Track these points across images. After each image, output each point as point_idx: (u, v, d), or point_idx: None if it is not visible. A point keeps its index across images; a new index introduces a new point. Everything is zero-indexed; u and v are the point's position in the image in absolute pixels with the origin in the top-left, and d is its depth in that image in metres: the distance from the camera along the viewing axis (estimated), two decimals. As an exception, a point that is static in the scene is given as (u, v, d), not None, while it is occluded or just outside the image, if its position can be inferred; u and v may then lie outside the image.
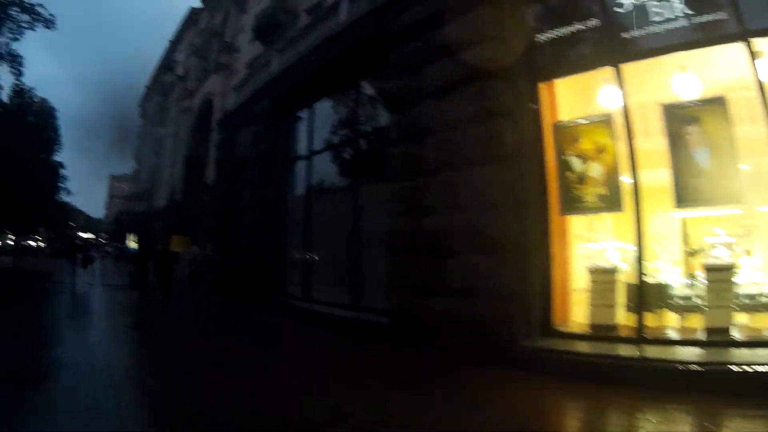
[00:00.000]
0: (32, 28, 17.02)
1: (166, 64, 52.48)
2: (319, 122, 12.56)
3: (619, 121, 6.84)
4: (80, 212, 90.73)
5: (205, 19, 41.54)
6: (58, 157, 40.63)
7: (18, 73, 18.07)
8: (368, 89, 10.95)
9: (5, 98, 18.65)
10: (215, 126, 29.49)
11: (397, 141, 8.55)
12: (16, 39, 16.97)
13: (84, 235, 76.30)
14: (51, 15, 17.07)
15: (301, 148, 13.21)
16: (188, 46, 45.56)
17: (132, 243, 45.46)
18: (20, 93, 28.21)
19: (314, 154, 12.55)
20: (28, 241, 58.83)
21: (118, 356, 7.40)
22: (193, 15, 45.52)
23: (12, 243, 42.02)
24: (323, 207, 12.18)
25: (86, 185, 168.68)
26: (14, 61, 17.32)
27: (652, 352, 6.00)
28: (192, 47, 44.00)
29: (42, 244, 67.26)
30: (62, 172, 38.78)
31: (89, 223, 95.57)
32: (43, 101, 31.95)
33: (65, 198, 50.02)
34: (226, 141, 16.19)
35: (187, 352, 7.77)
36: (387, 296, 8.64)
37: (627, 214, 6.76)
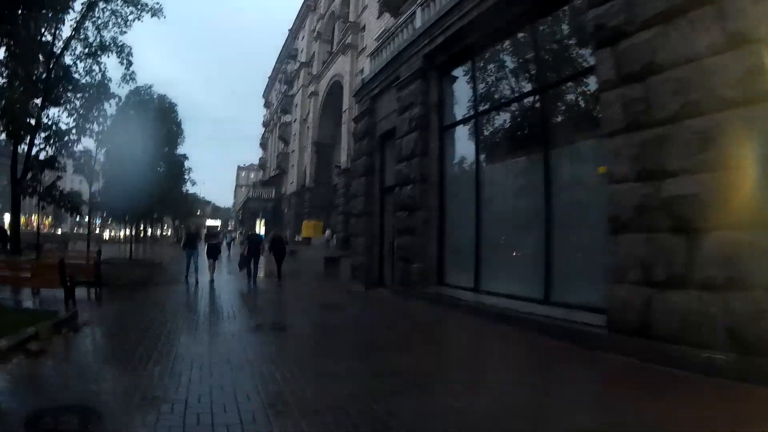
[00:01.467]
0: (139, 18, 16.54)
1: (288, 52, 53.06)
2: (486, 76, 10.33)
3: None
4: (208, 202, 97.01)
5: (324, 3, 41.01)
6: (181, 150, 42.80)
7: (128, 64, 17.02)
8: (554, 25, 8.55)
9: (119, 93, 18.05)
10: (353, 98, 28.59)
11: (611, 83, 6.30)
12: (123, 32, 16.58)
13: (212, 223, 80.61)
14: (157, 3, 16.53)
15: (463, 109, 11.05)
16: (309, 32, 45.44)
17: (261, 229, 46.41)
18: (137, 91, 29.48)
19: (482, 115, 10.32)
20: (156, 230, 62.81)
21: (237, 380, 4.86)
22: (310, 1, 45.28)
23: (135, 232, 44.93)
24: (495, 178, 9.95)
25: (215, 176, 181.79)
26: (122, 51, 16.58)
27: None
28: (313, 33, 43.77)
29: (168, 233, 71.87)
30: (186, 163, 40.57)
31: (217, 212, 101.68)
32: (162, 97, 33.04)
33: (191, 188, 52.55)
34: (367, 112, 14.42)
35: (343, 378, 4.99)
36: (594, 288, 6.76)
37: None
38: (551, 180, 8.20)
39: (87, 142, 17.85)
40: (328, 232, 30.95)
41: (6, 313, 7.35)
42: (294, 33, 51.54)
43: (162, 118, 35.83)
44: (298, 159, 44.64)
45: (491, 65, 10.33)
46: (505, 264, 9.44)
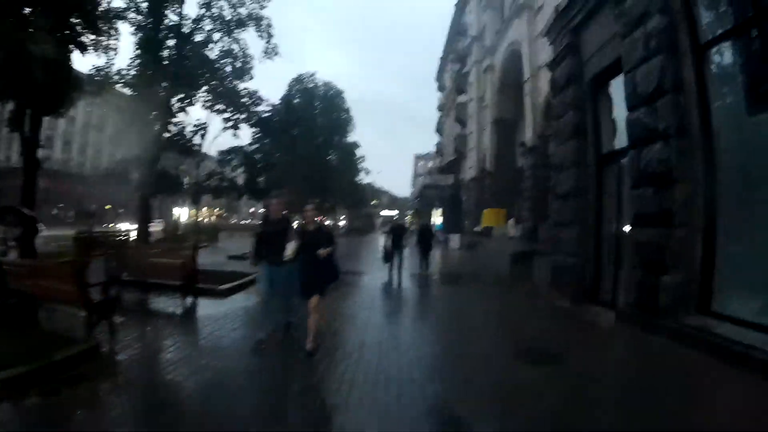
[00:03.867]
0: None
1: (457, 29, 49.80)
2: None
3: None
4: (385, 192, 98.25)
5: (490, -33, 36.89)
6: (354, 139, 41.44)
7: (268, 36, 16.14)
8: None
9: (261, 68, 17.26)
10: (534, 65, 24.64)
11: None
12: (263, 6, 15.94)
13: (386, 213, 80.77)
14: None
15: (727, 15, 6.34)
16: (477, 3, 41.72)
17: (437, 218, 43.40)
18: (299, 78, 28.70)
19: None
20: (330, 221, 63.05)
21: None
22: (475, -31, 41.49)
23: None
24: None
25: (392, 167, 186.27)
26: (259, 24, 15.76)
27: None
28: (481, 3, 39.74)
29: (341, 223, 72.23)
30: (359, 152, 39.13)
31: (394, 202, 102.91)
32: (327, 84, 31.53)
33: (365, 178, 51.38)
34: (568, 50, 10.05)
35: None
36: None
37: None
38: None
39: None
40: (511, 221, 26.66)
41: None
42: (461, 7, 48.00)
43: (329, 105, 34.88)
44: (477, 141, 40.81)
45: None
46: None
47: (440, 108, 62.93)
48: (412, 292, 11.94)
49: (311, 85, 32.37)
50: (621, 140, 8.53)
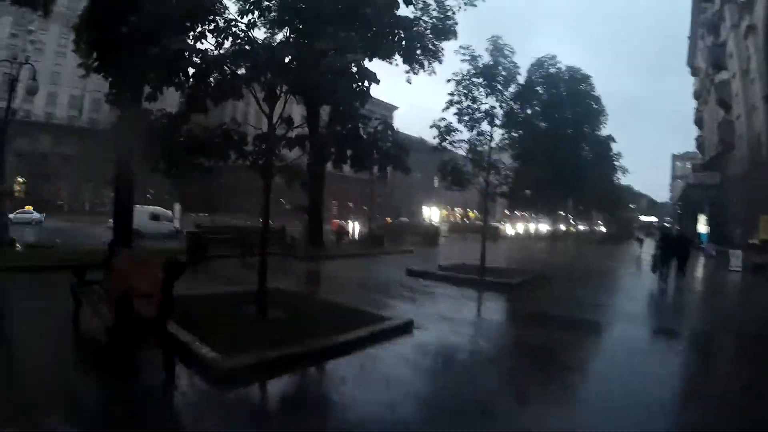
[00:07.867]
0: None
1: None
2: None
3: None
4: (643, 195, 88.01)
5: None
6: (605, 131, 35.68)
7: None
8: None
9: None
10: None
11: None
12: None
13: (645, 219, 70.90)
14: None
15: None
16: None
17: (702, 226, 34.53)
18: (539, 63, 25.48)
19: None
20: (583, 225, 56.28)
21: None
22: None
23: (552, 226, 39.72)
24: None
25: (649, 168, 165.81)
26: None
27: None
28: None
29: (599, 228, 64.13)
30: (615, 147, 33.64)
31: (652, 207, 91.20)
32: (572, 69, 27.85)
33: (622, 178, 44.06)
34: None
35: None
36: None
37: None
38: None
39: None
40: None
41: None
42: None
43: (575, 92, 29.94)
44: (746, 126, 31.72)
45: None
46: None
47: (696, 95, 52.20)
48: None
49: (553, 71, 28.72)
50: None
